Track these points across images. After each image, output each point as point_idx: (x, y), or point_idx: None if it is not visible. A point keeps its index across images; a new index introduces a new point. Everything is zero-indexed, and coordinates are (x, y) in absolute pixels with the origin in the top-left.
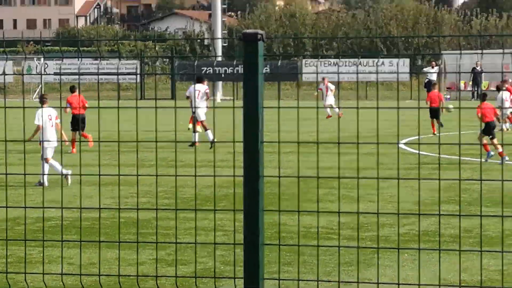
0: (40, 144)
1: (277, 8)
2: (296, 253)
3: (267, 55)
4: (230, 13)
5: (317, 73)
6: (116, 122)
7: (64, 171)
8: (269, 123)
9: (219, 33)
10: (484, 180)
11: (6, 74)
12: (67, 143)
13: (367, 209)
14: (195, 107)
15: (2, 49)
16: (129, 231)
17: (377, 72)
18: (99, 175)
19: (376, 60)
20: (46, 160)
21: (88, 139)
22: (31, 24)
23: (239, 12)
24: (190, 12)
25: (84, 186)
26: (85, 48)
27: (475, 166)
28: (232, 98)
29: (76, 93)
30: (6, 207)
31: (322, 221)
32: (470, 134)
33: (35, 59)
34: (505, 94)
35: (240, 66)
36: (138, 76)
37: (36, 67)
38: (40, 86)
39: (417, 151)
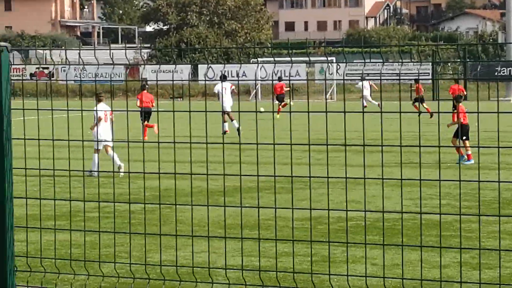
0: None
1: None
2: None
3: None
4: None
5: None
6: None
7: (94, 169)
8: None
9: None
10: None
11: (306, 80)
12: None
13: None
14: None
15: (297, 51)
16: (431, 233)
17: None
18: (420, 180)
19: None
20: (95, 151)
21: (153, 127)
22: (321, 25)
23: None
24: (482, 11)
25: (380, 187)
26: (374, 50)
27: None
28: None
29: (146, 91)
30: (311, 209)
31: None
32: None
33: (328, 59)
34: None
35: None
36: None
37: (328, 69)
38: (332, 87)
39: None
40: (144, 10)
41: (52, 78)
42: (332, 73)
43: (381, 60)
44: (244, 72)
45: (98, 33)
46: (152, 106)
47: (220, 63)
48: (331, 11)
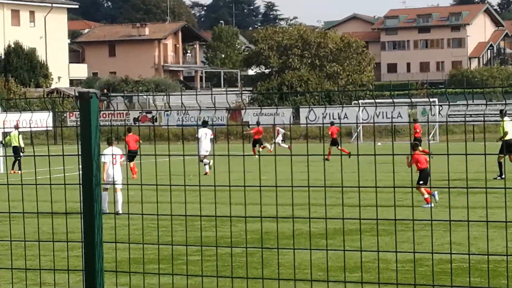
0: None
1: None
2: None
3: None
4: None
5: None
6: None
7: (105, 208)
8: None
9: None
10: None
11: (408, 122)
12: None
13: None
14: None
15: (400, 91)
16: None
17: None
18: None
19: None
20: (104, 190)
21: (133, 171)
22: (424, 66)
23: None
24: None
25: (481, 228)
26: (477, 90)
27: None
28: None
29: (131, 133)
30: (414, 252)
31: None
32: None
33: (430, 100)
34: None
35: None
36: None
37: (431, 110)
38: (435, 128)
39: None
40: (246, 54)
41: (155, 123)
42: (434, 115)
43: (484, 101)
44: (345, 114)
45: (201, 77)
46: (137, 148)
47: (322, 106)
48: (433, 52)
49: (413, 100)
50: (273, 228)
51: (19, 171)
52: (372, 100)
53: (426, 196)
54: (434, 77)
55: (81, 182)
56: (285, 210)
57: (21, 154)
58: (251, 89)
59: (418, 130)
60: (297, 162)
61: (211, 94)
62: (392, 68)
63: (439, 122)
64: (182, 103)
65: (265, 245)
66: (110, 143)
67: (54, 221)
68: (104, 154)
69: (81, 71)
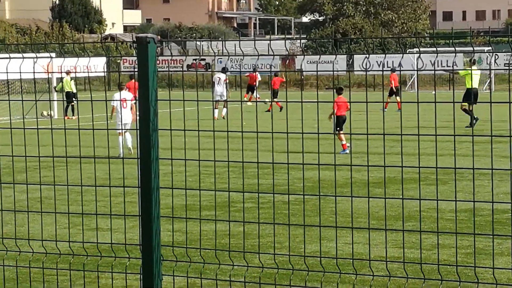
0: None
1: None
2: None
3: None
4: None
5: None
6: None
7: (120, 151)
8: None
9: None
10: None
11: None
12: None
13: None
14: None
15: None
16: None
17: None
18: None
19: None
20: (119, 134)
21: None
22: (480, 15)
23: None
24: None
25: None
26: None
27: None
28: None
29: (134, 80)
30: (474, 201)
31: None
32: None
33: (485, 50)
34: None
35: None
36: None
37: (487, 58)
38: (490, 77)
39: None
40: (300, 1)
41: (209, 69)
42: (490, 63)
43: None
44: (400, 62)
45: (255, 24)
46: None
47: (376, 54)
48: (489, 0)
49: (469, 48)
50: (326, 176)
51: (73, 117)
52: (428, 49)
53: (344, 142)
54: (490, 26)
55: (138, 128)
56: (338, 158)
57: (74, 99)
58: (305, 36)
59: (392, 81)
60: (354, 110)
61: (269, 40)
62: (447, 16)
63: (495, 69)
64: (240, 49)
65: (323, 193)
66: (121, 88)
67: (109, 166)
68: (114, 100)
69: (135, 17)
